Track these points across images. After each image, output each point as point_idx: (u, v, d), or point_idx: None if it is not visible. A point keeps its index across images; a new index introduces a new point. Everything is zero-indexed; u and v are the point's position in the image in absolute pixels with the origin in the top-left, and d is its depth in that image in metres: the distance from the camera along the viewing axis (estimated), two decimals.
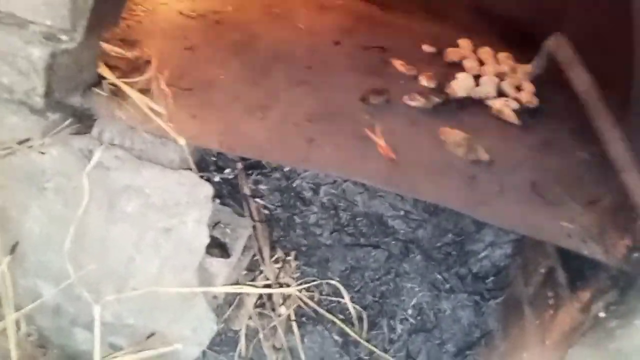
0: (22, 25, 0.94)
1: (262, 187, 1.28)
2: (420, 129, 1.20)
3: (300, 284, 1.12)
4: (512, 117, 1.34)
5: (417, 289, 1.16)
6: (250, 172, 1.27)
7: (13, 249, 0.97)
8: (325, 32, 1.53)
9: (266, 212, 1.27)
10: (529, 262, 1.19)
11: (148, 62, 1.15)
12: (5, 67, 0.95)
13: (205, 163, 1.25)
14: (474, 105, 1.35)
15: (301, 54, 1.38)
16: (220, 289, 0.99)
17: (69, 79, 0.98)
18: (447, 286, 1.18)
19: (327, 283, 1.15)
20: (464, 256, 1.27)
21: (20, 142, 0.95)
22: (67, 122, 0.96)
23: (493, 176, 1.10)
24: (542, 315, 1.04)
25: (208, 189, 0.94)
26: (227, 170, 1.25)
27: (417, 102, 1.26)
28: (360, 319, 1.06)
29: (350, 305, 0.99)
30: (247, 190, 1.24)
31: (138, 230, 0.93)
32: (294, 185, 1.30)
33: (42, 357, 1.04)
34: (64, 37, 0.94)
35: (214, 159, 1.26)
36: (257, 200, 1.26)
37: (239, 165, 1.26)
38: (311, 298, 1.09)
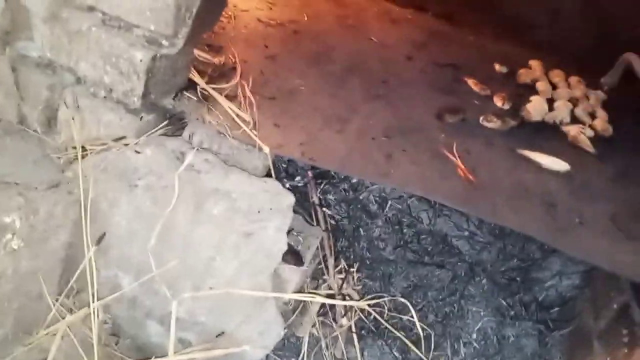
0: (127, 29, 0.98)
1: (330, 197, 1.29)
2: (496, 151, 1.19)
3: (367, 297, 1.12)
4: (588, 145, 1.31)
5: (482, 313, 1.15)
6: (319, 181, 1.29)
7: (100, 240, 1.01)
8: (397, 46, 1.54)
9: (332, 222, 1.28)
10: (599, 296, 1.16)
11: (233, 68, 1.18)
12: (108, 67, 0.99)
13: (275, 169, 1.28)
14: (548, 129, 1.34)
15: (375, 67, 1.39)
16: (293, 296, 1.01)
17: (164, 82, 1.02)
18: (512, 313, 1.17)
19: (390, 299, 1.16)
20: (529, 283, 1.25)
21: (116, 140, 1.00)
22: (162, 124, 1.00)
23: (573, 205, 1.08)
24: (614, 353, 1.02)
25: (290, 199, 0.96)
26: (297, 178, 1.27)
27: (494, 123, 1.25)
28: (424, 337, 1.06)
29: (418, 324, 1.00)
30: (315, 199, 1.26)
31: (221, 232, 0.95)
32: (361, 197, 1.30)
33: (114, 345, 1.08)
34: (165, 42, 0.98)
35: (284, 165, 1.28)
36: (325, 209, 1.27)
37: (309, 173, 1.27)
38: (380, 314, 1.10)
